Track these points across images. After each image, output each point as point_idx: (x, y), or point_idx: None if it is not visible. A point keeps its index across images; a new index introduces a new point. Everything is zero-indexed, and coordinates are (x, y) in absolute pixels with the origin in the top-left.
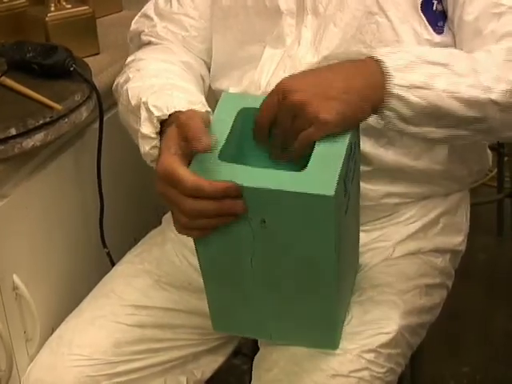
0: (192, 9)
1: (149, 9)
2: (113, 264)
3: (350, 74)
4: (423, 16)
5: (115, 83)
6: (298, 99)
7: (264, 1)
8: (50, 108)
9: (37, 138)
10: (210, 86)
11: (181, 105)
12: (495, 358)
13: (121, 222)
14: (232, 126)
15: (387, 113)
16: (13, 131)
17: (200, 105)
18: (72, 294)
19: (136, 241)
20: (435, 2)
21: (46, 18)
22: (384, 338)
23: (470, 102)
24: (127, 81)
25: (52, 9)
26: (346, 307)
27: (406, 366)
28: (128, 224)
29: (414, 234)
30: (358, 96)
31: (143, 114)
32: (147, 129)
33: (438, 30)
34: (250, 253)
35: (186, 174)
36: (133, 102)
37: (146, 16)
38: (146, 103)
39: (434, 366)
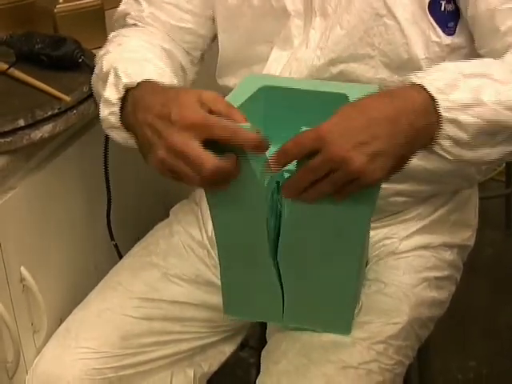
0: (185, 1)
1: None
2: (120, 256)
3: (393, 114)
4: (431, 17)
5: (96, 57)
6: (341, 155)
7: (270, 1)
8: (59, 99)
9: (45, 130)
10: (217, 83)
11: (151, 75)
12: (501, 352)
13: (128, 215)
14: (249, 102)
15: (443, 142)
16: (21, 122)
17: (168, 78)
18: (79, 285)
19: (144, 233)
20: (443, 2)
21: (55, 10)
22: (393, 329)
23: None
24: (106, 54)
25: (61, 0)
26: (359, 296)
27: (413, 358)
28: (135, 216)
29: (421, 230)
30: (405, 141)
31: (111, 79)
32: (111, 93)
33: (449, 31)
34: (264, 214)
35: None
36: (104, 69)
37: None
38: (116, 69)
39: (440, 359)
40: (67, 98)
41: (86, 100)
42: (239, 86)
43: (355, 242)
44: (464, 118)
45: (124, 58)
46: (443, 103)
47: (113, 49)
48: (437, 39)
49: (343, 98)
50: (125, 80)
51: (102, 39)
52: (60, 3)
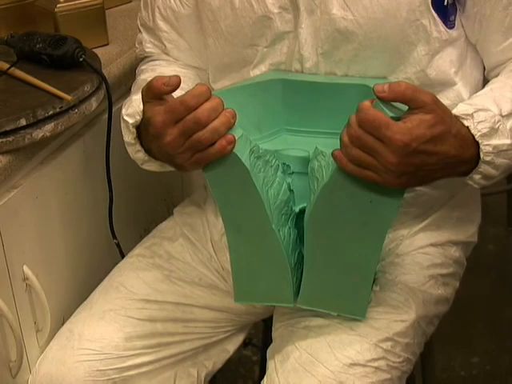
0: (163, 22)
1: (138, 19)
2: (122, 255)
3: (450, 153)
4: (434, 13)
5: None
6: (388, 158)
7: (251, 2)
8: (60, 99)
9: (47, 129)
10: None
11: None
12: (505, 348)
13: (130, 213)
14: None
15: (474, 176)
16: (23, 122)
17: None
18: (82, 284)
19: (146, 231)
20: None
21: (56, 9)
22: (400, 326)
23: None
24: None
25: (61, 0)
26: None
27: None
28: (138, 214)
29: (426, 228)
30: (441, 175)
31: (122, 124)
32: (127, 136)
33: (450, 25)
34: (254, 189)
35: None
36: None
37: (138, 27)
38: (122, 115)
39: (443, 356)
40: (68, 97)
41: (88, 99)
42: (256, 76)
43: (382, 226)
44: (500, 161)
45: (129, 100)
46: (485, 148)
47: (133, 88)
48: (437, 35)
49: (365, 89)
50: (131, 121)
51: (102, 38)
52: (60, 3)
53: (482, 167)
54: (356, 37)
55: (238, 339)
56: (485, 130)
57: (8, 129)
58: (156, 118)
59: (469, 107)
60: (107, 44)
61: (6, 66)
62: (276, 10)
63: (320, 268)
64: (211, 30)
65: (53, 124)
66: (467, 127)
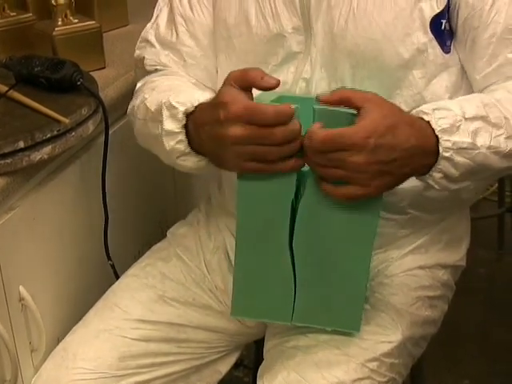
0: (188, 37)
1: (150, 34)
2: (117, 276)
3: (410, 143)
4: (432, 36)
5: (130, 107)
6: (355, 161)
7: (267, 20)
8: (58, 121)
9: (44, 151)
10: None
11: (204, 96)
12: (495, 371)
13: (125, 235)
14: None
15: (435, 174)
16: (21, 144)
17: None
18: (78, 304)
19: (140, 253)
20: (443, 21)
21: (53, 33)
22: (387, 347)
23: (508, 155)
24: (143, 100)
25: (59, 23)
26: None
27: (407, 377)
28: (132, 236)
29: (415, 250)
30: (410, 169)
31: (165, 113)
32: (170, 125)
33: (446, 50)
34: (292, 190)
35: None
36: (152, 109)
37: (147, 41)
38: (167, 102)
39: (434, 378)
40: (66, 120)
41: (85, 122)
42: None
43: (366, 236)
44: (459, 159)
45: (169, 92)
46: (444, 143)
47: (149, 94)
48: (433, 58)
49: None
50: (182, 108)
51: (99, 62)
52: (59, 26)
53: (442, 164)
54: (354, 56)
55: (231, 360)
56: (445, 126)
57: (6, 151)
58: (234, 106)
59: (431, 105)
60: (104, 67)
61: (4, 88)
62: (290, 30)
63: (311, 283)
64: (224, 47)
65: (50, 147)
66: (428, 122)
